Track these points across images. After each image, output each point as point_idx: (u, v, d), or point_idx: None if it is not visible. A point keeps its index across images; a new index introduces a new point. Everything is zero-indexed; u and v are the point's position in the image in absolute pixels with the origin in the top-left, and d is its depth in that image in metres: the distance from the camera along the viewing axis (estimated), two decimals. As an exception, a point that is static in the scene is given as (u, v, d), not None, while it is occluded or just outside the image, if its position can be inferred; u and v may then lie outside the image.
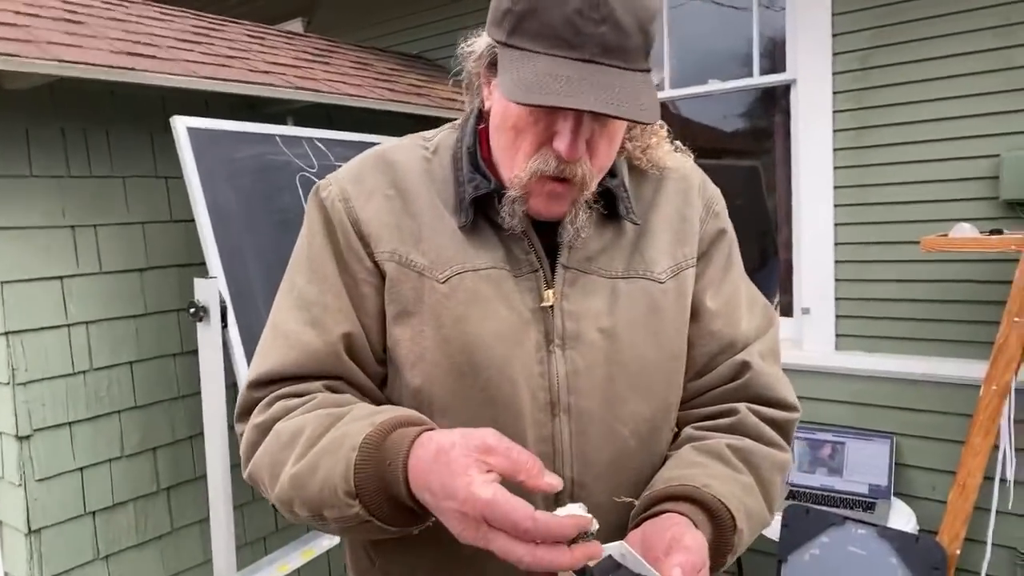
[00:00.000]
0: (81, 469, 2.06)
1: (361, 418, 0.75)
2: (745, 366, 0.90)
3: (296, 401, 0.82)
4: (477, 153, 0.87)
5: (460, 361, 0.82)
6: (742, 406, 0.89)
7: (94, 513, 2.08)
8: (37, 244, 1.96)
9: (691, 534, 0.70)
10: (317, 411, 0.79)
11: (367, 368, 0.86)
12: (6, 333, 1.91)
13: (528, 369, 0.82)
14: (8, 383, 1.92)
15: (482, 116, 0.89)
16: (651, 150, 0.92)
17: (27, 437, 1.94)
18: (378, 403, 0.86)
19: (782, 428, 0.90)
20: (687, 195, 0.94)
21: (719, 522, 0.77)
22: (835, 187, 2.66)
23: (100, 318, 2.09)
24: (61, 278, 2.01)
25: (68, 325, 2.03)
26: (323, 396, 0.82)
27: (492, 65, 0.80)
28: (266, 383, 0.84)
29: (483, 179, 0.84)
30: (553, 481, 0.66)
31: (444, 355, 0.82)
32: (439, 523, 0.69)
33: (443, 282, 0.83)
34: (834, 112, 2.63)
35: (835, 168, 2.65)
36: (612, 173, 0.87)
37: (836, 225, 2.67)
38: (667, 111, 3.32)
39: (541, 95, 0.70)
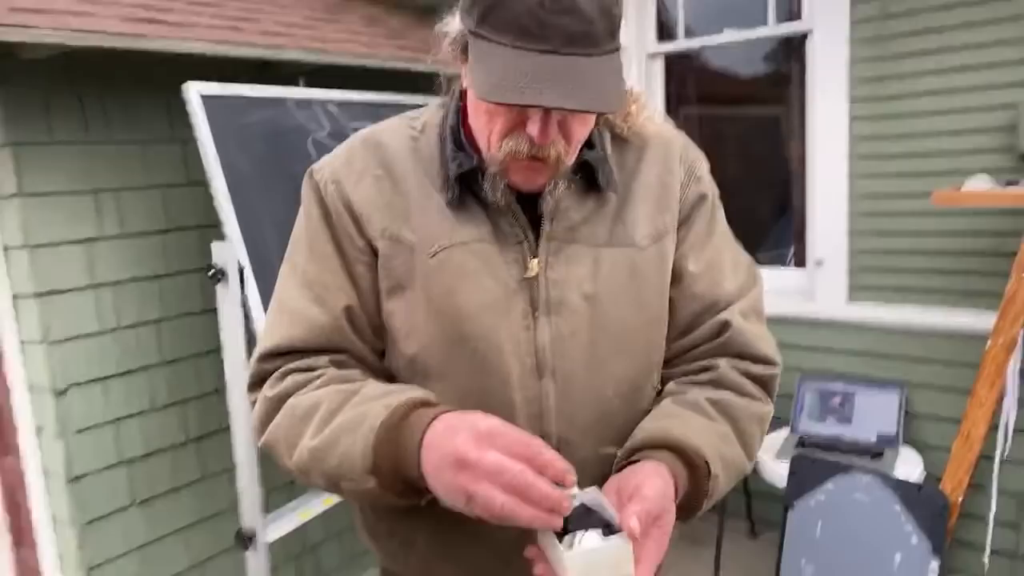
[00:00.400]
0: (115, 421, 2.17)
1: (376, 398, 0.81)
2: (726, 325, 0.94)
3: (307, 376, 0.87)
4: (460, 131, 0.91)
5: (451, 331, 0.87)
6: (722, 361, 0.93)
7: (129, 462, 2.21)
8: (62, 209, 2.04)
9: (651, 483, 0.75)
10: (329, 387, 0.85)
11: (367, 341, 0.92)
12: (38, 294, 2.00)
13: (515, 336, 0.87)
14: (43, 342, 2.02)
15: (464, 93, 0.92)
16: (631, 117, 0.94)
17: (63, 392, 2.05)
18: (378, 374, 0.92)
19: (762, 381, 0.95)
20: (668, 162, 0.96)
21: (695, 469, 0.83)
22: (851, 138, 2.63)
23: (125, 279, 2.17)
24: (86, 241, 2.09)
25: (95, 286, 2.11)
26: (332, 372, 0.88)
27: (465, 49, 0.82)
28: (275, 355, 0.90)
29: (466, 156, 0.88)
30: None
31: (436, 326, 0.87)
32: None
33: (432, 257, 0.87)
34: (851, 62, 2.58)
35: (851, 119, 2.61)
36: (591, 145, 0.90)
37: (851, 177, 2.65)
38: (687, 60, 3.27)
39: (508, 92, 0.72)
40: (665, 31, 3.14)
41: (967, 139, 2.40)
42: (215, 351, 2.33)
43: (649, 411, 0.93)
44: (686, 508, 0.83)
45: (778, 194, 3.23)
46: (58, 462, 2.09)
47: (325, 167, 0.94)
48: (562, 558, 0.68)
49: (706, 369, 0.93)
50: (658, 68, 3.17)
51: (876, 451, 2.53)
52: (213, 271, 1.87)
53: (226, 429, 2.33)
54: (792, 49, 2.96)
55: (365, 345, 0.92)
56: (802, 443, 2.63)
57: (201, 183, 2.24)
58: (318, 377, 0.87)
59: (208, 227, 2.30)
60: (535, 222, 0.89)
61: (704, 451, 0.83)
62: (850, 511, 2.33)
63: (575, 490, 0.71)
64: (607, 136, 0.94)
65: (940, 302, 2.53)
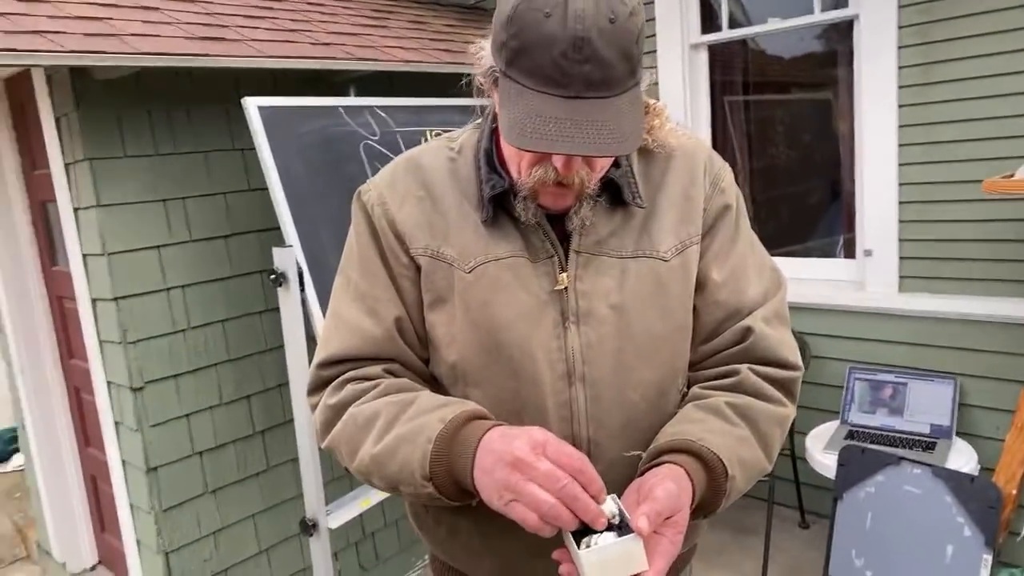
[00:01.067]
0: (187, 415, 2.33)
1: (432, 410, 0.89)
2: (748, 331, 0.98)
3: (365, 385, 0.96)
4: (493, 153, 0.97)
5: (487, 340, 0.94)
6: (744, 367, 0.97)
7: (201, 453, 2.36)
8: (135, 218, 2.19)
9: (664, 485, 0.81)
10: (386, 397, 0.93)
11: (415, 350, 1.00)
12: (116, 298, 2.16)
13: (546, 345, 0.94)
14: (121, 342, 2.18)
15: (497, 117, 0.98)
16: (655, 131, 0.99)
17: (140, 389, 2.21)
18: (426, 379, 1.00)
19: (783, 385, 0.98)
20: (693, 174, 1.01)
21: (712, 470, 0.88)
22: (899, 126, 2.59)
23: (193, 282, 2.32)
24: (158, 247, 2.24)
25: (167, 289, 2.26)
26: (388, 382, 0.96)
27: (496, 81, 0.88)
28: (332, 363, 0.99)
29: (499, 178, 0.95)
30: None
31: (473, 336, 0.94)
32: None
33: (469, 272, 0.94)
34: (899, 48, 2.54)
35: (899, 106, 2.58)
36: (616, 163, 0.95)
37: (900, 165, 2.61)
38: (737, 45, 3.24)
39: (532, 139, 0.78)
40: (708, 18, 3.13)
41: (1018, 125, 2.35)
42: (277, 348, 2.46)
43: (675, 414, 0.98)
44: (705, 507, 0.89)
45: (829, 181, 3.19)
46: (136, 454, 2.25)
47: (372, 189, 1.02)
48: (579, 557, 0.76)
49: (728, 374, 0.98)
50: (703, 58, 3.16)
51: (928, 443, 2.51)
52: (274, 275, 1.98)
53: (289, 421, 2.47)
54: (841, 32, 2.91)
55: (413, 353, 1.00)
56: (851, 435, 2.63)
57: (261, 188, 2.37)
58: (375, 387, 0.95)
59: (268, 230, 2.43)
60: (565, 236, 0.95)
61: (721, 454, 0.88)
62: (901, 503, 2.32)
63: (607, 505, 0.79)
64: (633, 152, 0.99)
65: (992, 291, 2.48)
